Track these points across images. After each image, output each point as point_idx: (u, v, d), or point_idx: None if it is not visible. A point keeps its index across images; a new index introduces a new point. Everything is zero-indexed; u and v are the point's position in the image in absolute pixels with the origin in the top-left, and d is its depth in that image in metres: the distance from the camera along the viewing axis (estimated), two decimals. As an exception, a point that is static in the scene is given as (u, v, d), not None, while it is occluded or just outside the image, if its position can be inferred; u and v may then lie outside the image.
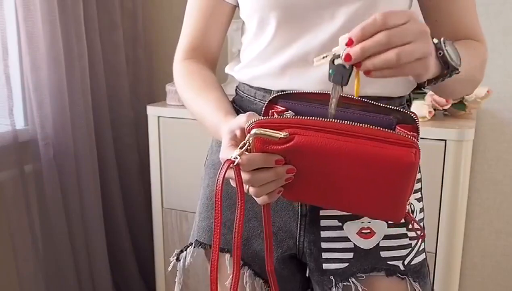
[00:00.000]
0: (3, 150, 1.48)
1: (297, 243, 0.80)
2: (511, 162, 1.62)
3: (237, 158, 0.60)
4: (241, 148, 0.61)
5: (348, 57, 0.55)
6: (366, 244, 0.77)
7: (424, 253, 0.81)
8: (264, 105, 0.69)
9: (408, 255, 0.78)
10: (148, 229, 1.94)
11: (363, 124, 0.59)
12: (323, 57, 0.58)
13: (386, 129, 0.59)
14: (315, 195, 0.66)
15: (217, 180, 0.61)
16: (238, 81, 0.86)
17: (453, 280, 1.36)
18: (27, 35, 1.48)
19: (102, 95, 1.79)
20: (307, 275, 0.84)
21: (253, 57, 0.80)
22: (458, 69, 0.62)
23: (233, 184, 0.63)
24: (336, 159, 0.60)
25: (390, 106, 0.64)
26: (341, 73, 0.56)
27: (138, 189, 1.98)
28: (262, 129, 0.60)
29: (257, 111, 0.76)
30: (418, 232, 0.72)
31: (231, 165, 0.60)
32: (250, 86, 0.82)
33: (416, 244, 0.79)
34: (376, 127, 0.59)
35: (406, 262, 0.78)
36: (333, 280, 0.78)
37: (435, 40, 0.61)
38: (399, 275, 0.77)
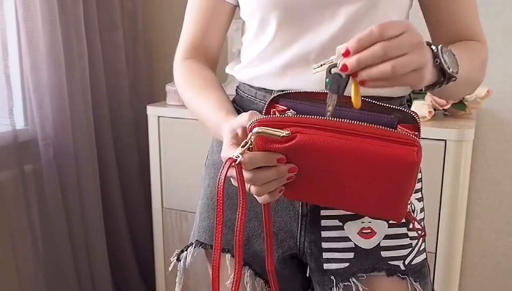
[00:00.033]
0: (3, 150, 1.48)
1: (298, 243, 0.80)
2: (511, 162, 1.62)
3: (239, 157, 0.60)
4: (243, 147, 0.61)
5: (344, 67, 0.56)
6: (366, 244, 0.77)
7: (424, 253, 0.81)
8: (266, 105, 0.69)
9: (408, 255, 0.78)
10: (148, 229, 1.94)
11: (365, 123, 0.59)
12: (321, 65, 0.58)
13: (388, 128, 0.59)
14: (316, 194, 0.65)
15: (219, 178, 0.61)
16: (239, 81, 0.86)
17: (453, 280, 1.36)
18: (27, 35, 1.47)
19: (102, 95, 1.79)
20: (307, 275, 0.84)
21: (254, 57, 0.80)
22: (455, 77, 0.62)
23: (234, 183, 0.63)
24: (338, 157, 0.60)
25: (391, 106, 0.64)
26: (337, 82, 0.57)
27: (138, 189, 1.98)
28: (264, 128, 0.60)
29: (257, 111, 0.75)
30: (419, 232, 0.72)
31: (233, 164, 0.60)
32: (251, 86, 0.82)
33: (417, 244, 0.79)
34: (378, 126, 0.59)
35: (406, 262, 0.78)
36: (334, 280, 0.78)
37: (433, 47, 0.61)
38: (400, 275, 0.77)
